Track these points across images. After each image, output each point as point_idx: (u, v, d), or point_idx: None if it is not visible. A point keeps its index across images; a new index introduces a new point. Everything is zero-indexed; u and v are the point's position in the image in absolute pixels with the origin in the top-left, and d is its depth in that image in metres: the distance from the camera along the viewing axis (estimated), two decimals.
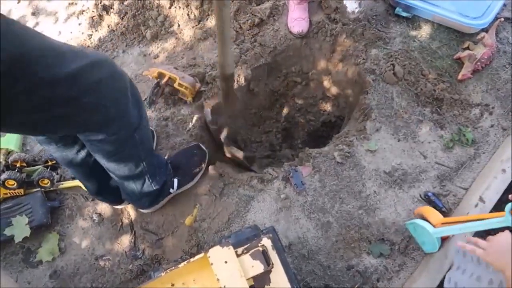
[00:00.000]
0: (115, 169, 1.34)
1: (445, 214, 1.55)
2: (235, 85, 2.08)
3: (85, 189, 1.71)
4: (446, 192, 1.61)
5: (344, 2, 2.03)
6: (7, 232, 1.67)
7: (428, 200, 1.58)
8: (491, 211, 1.48)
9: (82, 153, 1.40)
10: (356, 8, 2.00)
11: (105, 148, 1.22)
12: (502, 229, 1.12)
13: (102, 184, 1.57)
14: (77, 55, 0.98)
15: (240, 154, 1.93)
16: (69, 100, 0.98)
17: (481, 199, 1.50)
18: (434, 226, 1.39)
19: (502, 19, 1.87)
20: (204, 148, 1.78)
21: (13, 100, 0.87)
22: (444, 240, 1.45)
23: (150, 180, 1.48)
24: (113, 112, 1.11)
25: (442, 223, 1.38)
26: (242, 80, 2.10)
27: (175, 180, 1.65)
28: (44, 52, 0.90)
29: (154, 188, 1.52)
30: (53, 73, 0.91)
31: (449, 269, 1.39)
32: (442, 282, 1.39)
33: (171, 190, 1.64)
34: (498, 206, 1.51)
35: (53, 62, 0.92)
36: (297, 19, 2.05)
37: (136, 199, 1.58)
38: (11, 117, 0.92)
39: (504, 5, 1.93)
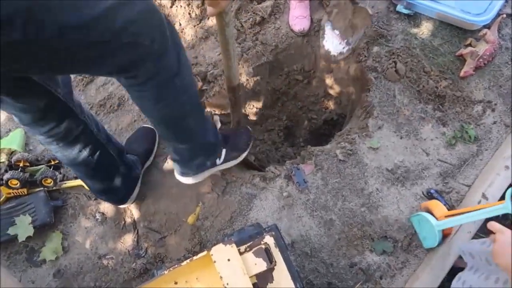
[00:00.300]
0: (162, 120, 1.26)
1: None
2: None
3: (88, 189, 1.72)
4: (449, 189, 1.60)
5: (324, 45, 1.90)
6: (11, 231, 1.68)
7: (430, 197, 1.58)
8: None
9: (84, 153, 1.39)
10: (343, 47, 1.86)
11: (146, 95, 1.15)
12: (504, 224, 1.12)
13: (104, 183, 1.58)
14: (116, 13, 0.90)
15: (251, 159, 1.95)
16: (102, 42, 0.92)
17: (484, 196, 1.49)
18: (437, 219, 1.40)
19: (504, 15, 1.86)
20: (252, 133, 1.76)
21: (44, 46, 0.84)
22: (445, 236, 1.45)
23: (202, 133, 1.40)
24: (150, 51, 1.03)
25: (446, 216, 1.39)
26: (244, 79, 2.10)
27: (224, 150, 1.59)
28: (84, 22, 0.84)
29: (208, 139, 1.45)
30: (82, 17, 0.85)
31: (455, 268, 1.39)
32: (445, 280, 1.39)
33: (217, 161, 1.58)
34: None
35: (80, 5, 0.84)
36: (298, 17, 2.05)
37: (186, 159, 1.49)
38: (40, 60, 0.89)
39: (506, 1, 1.92)
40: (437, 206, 1.44)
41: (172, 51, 1.09)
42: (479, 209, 1.26)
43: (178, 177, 1.59)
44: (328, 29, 1.89)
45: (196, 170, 1.55)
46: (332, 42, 1.89)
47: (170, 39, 1.07)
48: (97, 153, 1.44)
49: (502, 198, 1.50)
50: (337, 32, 1.85)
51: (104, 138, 1.48)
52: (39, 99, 1.18)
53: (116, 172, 1.57)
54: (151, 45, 1.00)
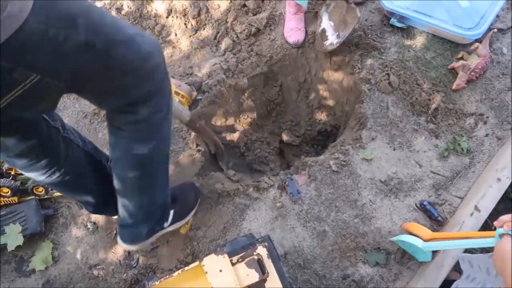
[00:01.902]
0: (139, 164, 1.23)
1: (440, 223, 1.55)
2: (232, 94, 2.10)
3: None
4: (442, 201, 1.61)
5: (328, 35, 2.01)
6: (0, 240, 1.65)
7: (423, 209, 1.58)
8: (486, 220, 1.49)
9: (72, 169, 1.33)
10: (335, 39, 1.96)
11: (137, 135, 1.17)
12: None
13: (99, 193, 1.49)
14: (141, 40, 1.04)
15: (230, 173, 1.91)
16: (134, 67, 1.03)
17: (476, 208, 1.50)
18: (424, 240, 1.38)
19: (496, 30, 1.90)
20: (198, 188, 1.69)
21: (98, 57, 0.95)
22: (435, 252, 1.45)
23: (164, 186, 1.37)
24: (160, 86, 1.13)
25: (431, 238, 1.38)
26: (239, 89, 2.11)
27: (171, 212, 1.48)
28: (122, 40, 0.99)
29: (166, 196, 1.40)
30: (124, 34, 1.00)
31: (448, 280, 1.38)
32: None
33: (165, 225, 1.47)
34: (493, 215, 1.51)
35: (119, 25, 1.00)
36: (293, 29, 2.07)
37: (141, 219, 1.37)
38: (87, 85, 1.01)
39: (497, 16, 1.96)
40: (419, 228, 1.43)
41: (166, 93, 1.18)
42: (466, 238, 1.25)
43: (126, 246, 1.43)
44: (325, 18, 2.00)
45: (147, 234, 1.41)
46: (327, 31, 2.01)
47: (166, 77, 1.17)
48: (89, 164, 1.40)
49: (495, 210, 1.51)
50: (332, 23, 1.97)
51: (91, 148, 1.44)
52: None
53: (109, 180, 1.54)
54: (162, 81, 1.12)
